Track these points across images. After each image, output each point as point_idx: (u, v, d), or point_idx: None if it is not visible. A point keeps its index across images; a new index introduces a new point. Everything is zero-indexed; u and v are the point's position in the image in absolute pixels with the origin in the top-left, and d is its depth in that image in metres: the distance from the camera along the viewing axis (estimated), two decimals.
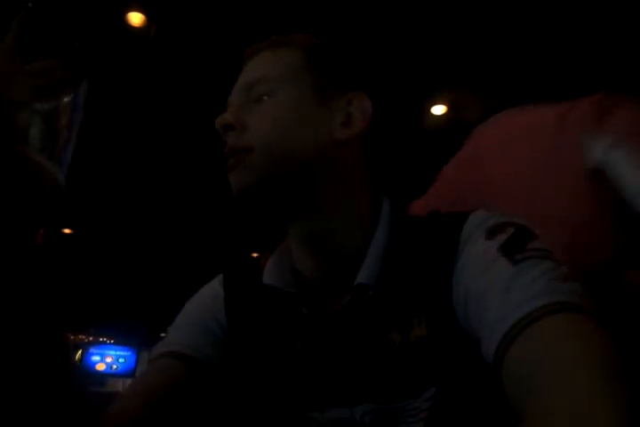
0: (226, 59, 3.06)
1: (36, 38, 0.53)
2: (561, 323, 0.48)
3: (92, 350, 7.43)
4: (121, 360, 7.61)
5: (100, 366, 7.41)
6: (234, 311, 0.74)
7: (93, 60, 0.58)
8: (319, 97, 0.68)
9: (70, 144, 0.53)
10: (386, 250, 0.66)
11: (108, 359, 7.52)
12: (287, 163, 0.64)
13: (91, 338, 7.68)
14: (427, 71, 3.23)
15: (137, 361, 7.77)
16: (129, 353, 7.70)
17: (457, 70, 3.24)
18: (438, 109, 3.64)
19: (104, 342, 7.71)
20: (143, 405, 0.64)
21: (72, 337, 7.21)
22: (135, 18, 2.73)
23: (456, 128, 3.82)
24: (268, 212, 0.69)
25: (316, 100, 0.68)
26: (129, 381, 7.48)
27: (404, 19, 2.81)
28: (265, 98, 0.67)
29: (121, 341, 7.74)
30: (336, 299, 0.67)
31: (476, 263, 0.58)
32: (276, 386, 0.68)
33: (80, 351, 7.29)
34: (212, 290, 0.78)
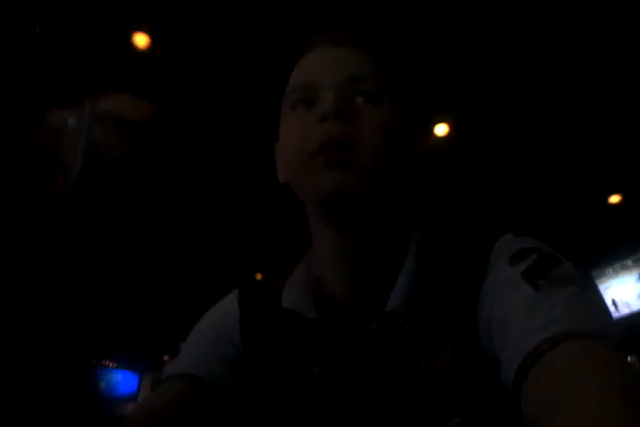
0: (232, 79, 3.09)
1: (43, 61, 0.53)
2: (580, 350, 0.46)
3: (96, 374, 7.37)
4: (123, 384, 7.53)
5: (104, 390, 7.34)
6: (249, 331, 0.72)
7: (98, 82, 0.58)
8: (400, 109, 0.67)
9: (76, 164, 0.53)
10: (415, 276, 0.64)
11: (111, 383, 7.44)
12: (385, 175, 0.63)
13: (93, 362, 7.61)
14: (429, 91, 3.25)
15: (139, 385, 7.69)
16: (131, 377, 7.62)
17: (459, 90, 3.26)
18: (440, 130, 3.65)
19: (106, 366, 7.63)
20: None
21: None
22: (141, 40, 2.76)
23: (458, 148, 3.83)
24: (346, 219, 0.65)
25: (398, 113, 0.66)
26: (131, 405, 7.40)
27: (402, 36, 2.84)
28: (361, 96, 0.63)
29: (123, 365, 7.66)
30: (362, 324, 0.65)
31: (500, 289, 0.57)
32: (291, 410, 0.66)
33: None
34: (227, 307, 0.76)
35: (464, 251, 0.65)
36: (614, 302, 5.18)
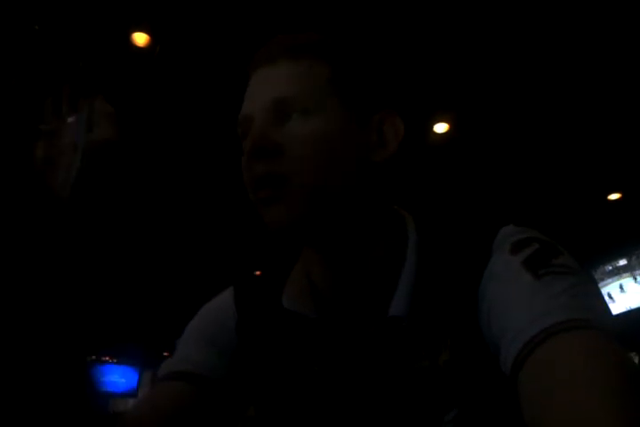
0: (231, 77, 3.09)
1: (42, 59, 0.54)
2: (579, 340, 0.47)
3: (94, 369, 7.40)
4: (123, 380, 7.55)
5: (103, 386, 7.37)
6: (247, 329, 0.72)
7: (98, 81, 0.58)
8: (352, 115, 0.63)
9: (75, 162, 0.54)
10: (416, 277, 0.63)
11: (111, 379, 7.47)
12: (330, 192, 0.60)
13: (93, 358, 7.64)
14: (429, 90, 3.25)
15: (139, 381, 7.71)
16: (131, 373, 7.65)
17: (460, 89, 3.26)
18: (440, 128, 3.65)
19: (107, 362, 7.65)
20: None
21: None
22: (140, 38, 2.76)
23: (457, 146, 3.84)
24: (305, 242, 0.66)
25: (350, 119, 0.63)
26: (132, 400, 7.42)
27: (405, 35, 2.84)
28: (295, 116, 0.60)
29: (123, 360, 7.68)
30: (364, 325, 0.65)
31: (500, 277, 0.57)
32: (290, 407, 0.66)
33: None
34: (223, 304, 0.75)
35: (466, 243, 0.64)
36: (611, 298, 5.20)
